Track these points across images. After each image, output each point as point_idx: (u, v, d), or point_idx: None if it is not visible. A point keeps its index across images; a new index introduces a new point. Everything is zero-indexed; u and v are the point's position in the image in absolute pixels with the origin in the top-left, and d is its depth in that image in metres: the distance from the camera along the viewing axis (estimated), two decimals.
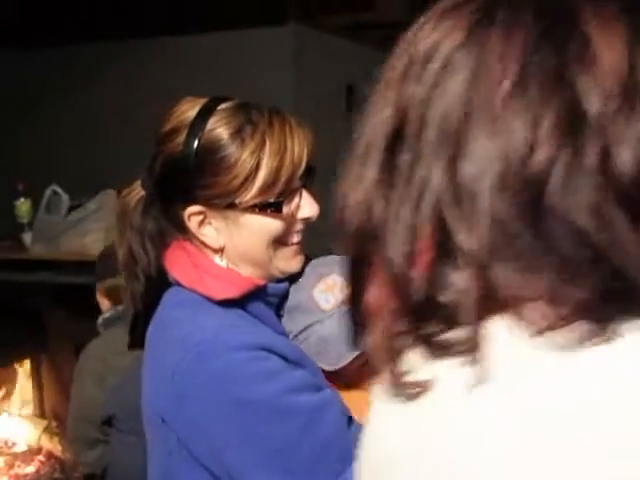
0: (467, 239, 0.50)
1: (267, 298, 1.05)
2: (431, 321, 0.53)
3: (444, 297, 0.52)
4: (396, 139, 0.54)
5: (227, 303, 1.00)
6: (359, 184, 0.55)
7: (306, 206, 1.03)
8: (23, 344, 3.00)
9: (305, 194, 1.04)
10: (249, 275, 1.04)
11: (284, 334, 1.07)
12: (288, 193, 1.01)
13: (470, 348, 0.51)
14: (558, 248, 0.48)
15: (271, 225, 1.01)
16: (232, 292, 1.00)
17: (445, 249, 0.51)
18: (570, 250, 0.48)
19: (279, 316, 1.09)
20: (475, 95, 0.51)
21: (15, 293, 2.82)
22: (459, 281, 0.51)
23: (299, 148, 1.01)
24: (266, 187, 0.99)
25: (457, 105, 0.51)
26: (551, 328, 0.49)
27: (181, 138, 1.01)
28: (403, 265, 0.53)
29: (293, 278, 1.10)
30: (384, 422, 0.60)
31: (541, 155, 0.48)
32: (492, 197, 0.49)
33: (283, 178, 1.00)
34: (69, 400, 2.03)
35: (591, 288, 0.48)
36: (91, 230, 2.57)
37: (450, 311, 0.52)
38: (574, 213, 0.48)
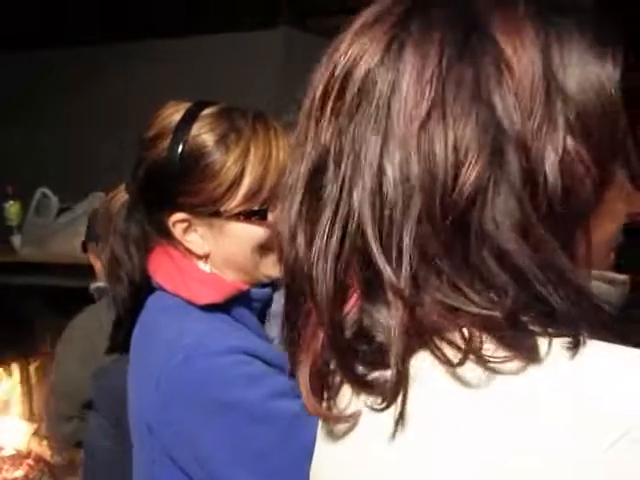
0: (391, 273, 0.48)
1: (251, 303, 1.05)
2: (360, 358, 0.51)
3: (372, 334, 0.50)
4: (318, 174, 0.52)
5: (211, 308, 1.00)
6: (287, 218, 0.54)
7: None
8: (12, 347, 2.98)
9: None
10: (234, 280, 1.04)
11: (267, 339, 1.07)
12: (274, 199, 1.00)
13: (393, 389, 0.49)
14: (485, 274, 0.47)
15: (257, 232, 1.01)
16: (215, 297, 1.00)
17: (373, 284, 0.50)
18: (496, 275, 0.47)
19: (262, 321, 1.09)
20: (392, 120, 0.49)
21: (4, 296, 2.81)
22: (385, 318, 0.49)
23: (284, 154, 1.00)
24: (251, 195, 0.99)
25: (374, 132, 0.49)
26: (464, 361, 0.47)
27: (165, 144, 1.00)
28: (332, 301, 0.51)
29: (279, 282, 1.10)
30: (321, 458, 0.59)
31: (465, 179, 0.47)
32: (416, 227, 0.48)
33: (268, 185, 0.99)
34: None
35: (514, 312, 0.47)
36: (81, 233, 2.55)
37: (377, 349, 0.50)
38: (501, 236, 0.47)
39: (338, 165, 0.51)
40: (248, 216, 1.00)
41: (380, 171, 0.49)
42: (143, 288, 1.04)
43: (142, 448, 1.02)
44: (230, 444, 0.92)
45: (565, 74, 0.49)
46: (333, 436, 0.56)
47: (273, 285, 1.08)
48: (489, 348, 0.47)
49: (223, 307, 1.01)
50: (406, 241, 0.48)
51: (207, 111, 1.01)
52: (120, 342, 1.07)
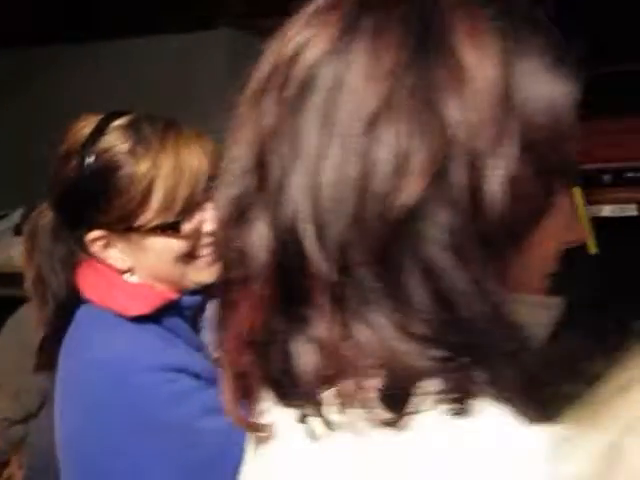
0: (326, 269, 0.45)
1: (182, 311, 1.04)
2: (277, 364, 0.49)
3: (286, 348, 0.48)
4: (257, 164, 0.49)
5: (140, 319, 0.99)
6: (222, 204, 0.51)
7: (211, 220, 1.01)
8: None
9: (211, 207, 1.01)
10: (163, 290, 1.02)
11: (200, 348, 1.05)
12: (190, 210, 0.99)
13: (309, 411, 0.48)
14: (408, 291, 0.45)
15: (175, 245, 1.00)
16: (144, 308, 0.99)
17: (299, 288, 0.47)
18: (417, 294, 0.44)
19: (196, 329, 1.08)
20: (335, 116, 0.46)
21: None
22: (300, 332, 0.47)
23: (198, 162, 0.99)
24: (164, 207, 0.98)
25: (316, 126, 0.47)
26: (351, 404, 0.46)
27: (75, 161, 0.99)
28: (260, 301, 0.49)
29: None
30: (246, 468, 0.58)
31: (404, 191, 0.44)
32: (346, 231, 0.45)
33: (181, 196, 0.98)
34: None
35: (424, 345, 0.44)
36: (17, 242, 2.49)
37: (290, 370, 0.48)
38: (432, 253, 0.44)
39: (279, 156, 0.48)
40: (163, 229, 0.98)
41: (318, 169, 0.46)
42: (69, 304, 1.02)
43: (64, 465, 1.00)
44: (160, 464, 0.91)
45: (522, 91, 0.47)
46: (256, 444, 0.55)
47: (206, 291, 1.06)
48: (369, 400, 0.45)
49: (153, 318, 1.00)
50: (334, 245, 0.45)
51: (116, 123, 1.00)
52: (49, 360, 1.04)
